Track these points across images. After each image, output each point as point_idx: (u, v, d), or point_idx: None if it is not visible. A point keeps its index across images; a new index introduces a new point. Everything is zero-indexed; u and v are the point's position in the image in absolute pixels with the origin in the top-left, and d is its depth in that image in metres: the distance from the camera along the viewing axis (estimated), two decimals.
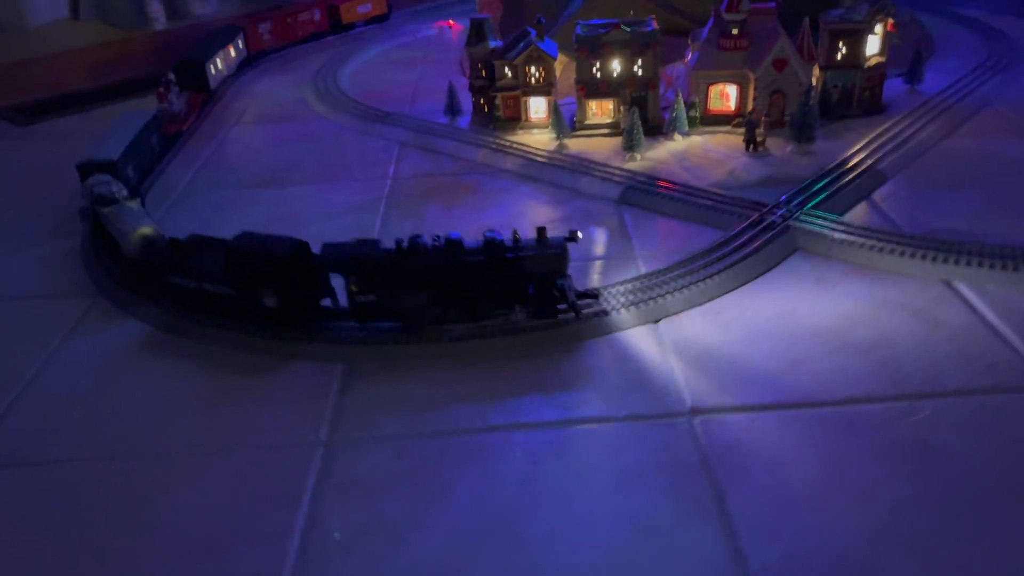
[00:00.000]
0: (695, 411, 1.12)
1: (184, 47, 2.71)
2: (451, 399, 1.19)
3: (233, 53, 2.72)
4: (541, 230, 1.29)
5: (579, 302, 1.30)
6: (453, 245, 1.27)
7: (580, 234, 1.28)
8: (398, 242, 1.27)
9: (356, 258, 1.28)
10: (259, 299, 1.30)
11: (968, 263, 1.38)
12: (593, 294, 1.34)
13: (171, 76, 2.29)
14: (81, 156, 1.80)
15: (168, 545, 0.98)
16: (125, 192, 1.61)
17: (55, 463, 1.12)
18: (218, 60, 2.58)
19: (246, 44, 2.84)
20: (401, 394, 1.21)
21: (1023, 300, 1.29)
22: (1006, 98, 2.09)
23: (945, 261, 1.38)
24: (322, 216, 1.76)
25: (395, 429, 1.14)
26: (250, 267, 1.29)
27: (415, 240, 1.28)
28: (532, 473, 1.05)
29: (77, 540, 0.99)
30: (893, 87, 2.14)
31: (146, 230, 1.47)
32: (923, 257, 1.40)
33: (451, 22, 3.19)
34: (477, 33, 2.06)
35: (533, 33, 2.03)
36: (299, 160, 2.07)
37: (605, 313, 1.32)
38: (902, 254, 1.41)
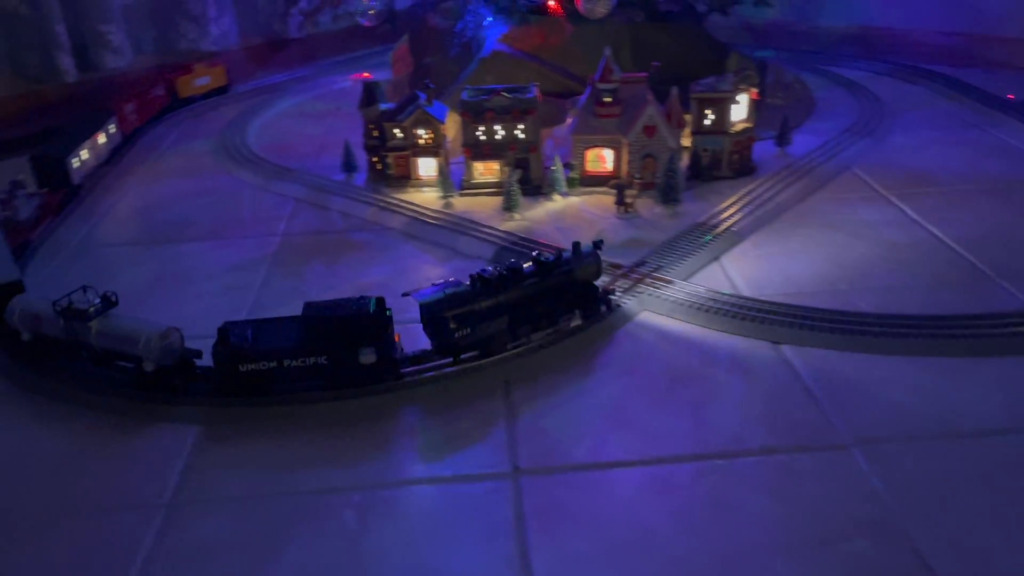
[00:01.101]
0: (517, 471, 1.21)
1: (95, 98, 2.76)
2: (296, 461, 1.26)
3: (103, 139, 2.45)
4: (576, 244, 1.53)
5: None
6: (518, 271, 1.45)
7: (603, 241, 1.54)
8: (479, 277, 1.42)
9: (459, 296, 1.39)
10: (356, 360, 1.34)
11: (795, 326, 1.49)
12: (611, 291, 1.58)
13: (18, 178, 2.05)
14: None
15: None
16: (97, 300, 1.42)
17: None
18: (83, 152, 2.29)
19: (120, 126, 2.59)
20: (249, 456, 1.27)
21: (838, 363, 1.41)
22: (867, 161, 2.24)
23: (773, 324, 1.50)
24: (206, 276, 1.82)
25: (238, 491, 1.20)
26: (347, 330, 1.33)
27: (497, 272, 1.43)
28: (360, 534, 1.12)
29: None
30: (767, 149, 2.29)
31: (165, 331, 1.38)
32: (753, 320, 1.51)
33: (366, 74, 3.28)
34: (368, 96, 2.15)
35: (422, 97, 2.13)
36: (195, 217, 2.13)
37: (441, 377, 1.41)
38: (735, 316, 1.53)
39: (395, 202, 2.10)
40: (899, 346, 1.42)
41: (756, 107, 2.34)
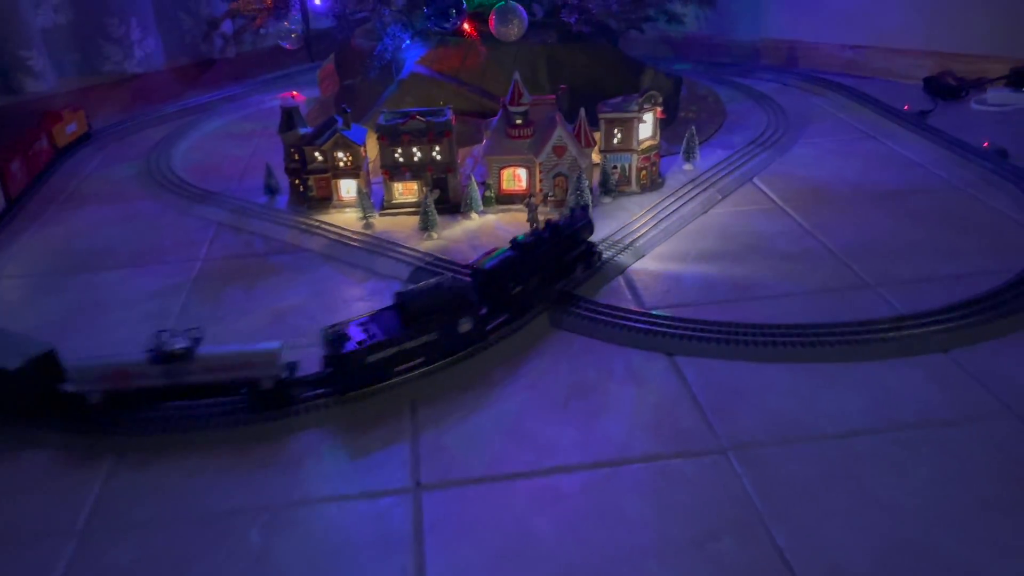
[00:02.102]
0: (419, 486, 1.28)
1: (16, 122, 2.76)
2: (204, 484, 1.31)
3: None
4: (573, 209, 1.85)
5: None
6: (543, 236, 1.70)
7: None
8: (519, 243, 1.68)
9: (511, 261, 1.65)
10: (456, 330, 1.54)
11: (688, 338, 1.59)
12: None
13: None
14: None
15: None
16: (181, 339, 1.42)
17: None
18: None
19: (4, 190, 2.36)
20: (161, 481, 1.32)
21: (724, 372, 1.51)
22: (767, 172, 2.36)
23: (668, 336, 1.60)
24: (125, 304, 1.85)
25: (148, 516, 1.25)
26: (451, 305, 1.53)
27: (531, 238, 1.68)
28: (264, 552, 1.18)
29: None
30: (675, 163, 2.40)
31: (278, 347, 1.43)
32: (650, 333, 1.61)
33: (295, 93, 3.32)
34: (288, 120, 2.20)
35: (340, 121, 2.18)
36: (115, 244, 2.16)
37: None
38: (633, 330, 1.62)
39: (316, 224, 2.16)
40: (780, 354, 1.53)
41: (671, 122, 2.46)
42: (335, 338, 1.46)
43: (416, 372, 1.51)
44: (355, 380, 1.47)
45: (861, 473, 1.25)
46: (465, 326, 1.55)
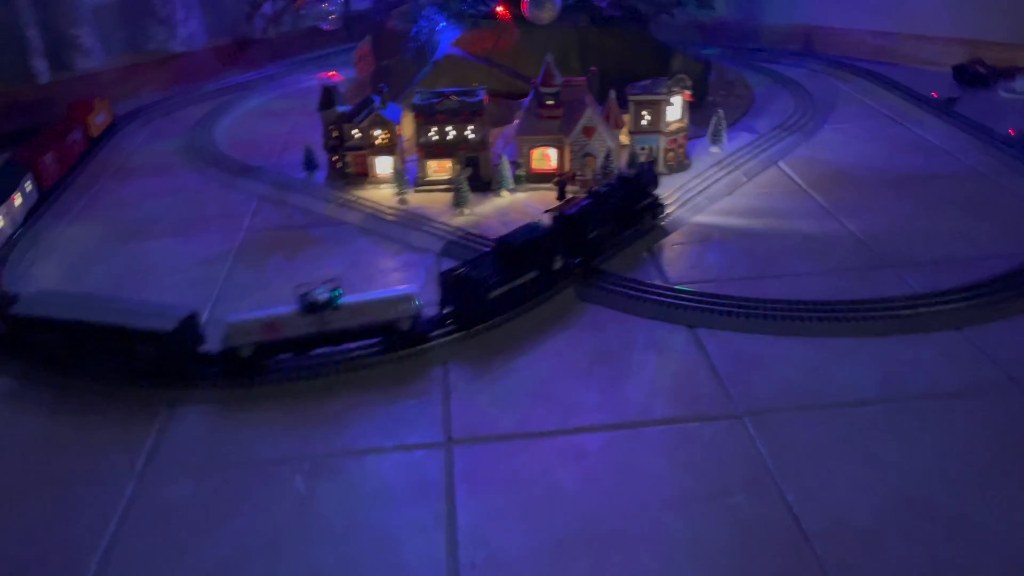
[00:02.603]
0: (450, 441, 1.36)
1: (68, 98, 2.88)
2: (254, 434, 1.41)
3: (19, 201, 2.18)
4: (641, 164, 2.07)
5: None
6: (615, 187, 1.89)
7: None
8: (594, 192, 1.86)
9: (588, 209, 1.80)
10: (551, 267, 1.71)
11: (709, 312, 1.66)
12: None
13: None
14: None
15: None
16: (322, 290, 1.53)
17: None
18: None
19: (37, 182, 2.33)
20: (213, 431, 1.42)
21: (742, 344, 1.57)
22: (793, 156, 2.41)
23: (690, 310, 1.67)
24: (173, 270, 1.96)
25: (201, 461, 1.36)
26: (546, 245, 1.70)
27: (604, 189, 1.87)
28: (308, 496, 1.27)
29: None
30: (703, 146, 2.46)
31: (412, 290, 1.57)
32: (672, 306, 1.68)
33: (333, 73, 3.41)
34: (327, 99, 2.29)
35: (377, 100, 2.27)
36: (163, 214, 2.26)
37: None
38: (657, 303, 1.69)
39: (353, 199, 2.25)
40: (797, 328, 1.59)
41: (699, 105, 2.51)
42: (455, 280, 1.61)
43: (522, 308, 1.68)
44: (480, 316, 1.62)
45: (868, 438, 1.32)
46: (558, 263, 1.72)
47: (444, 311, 1.64)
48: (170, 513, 1.25)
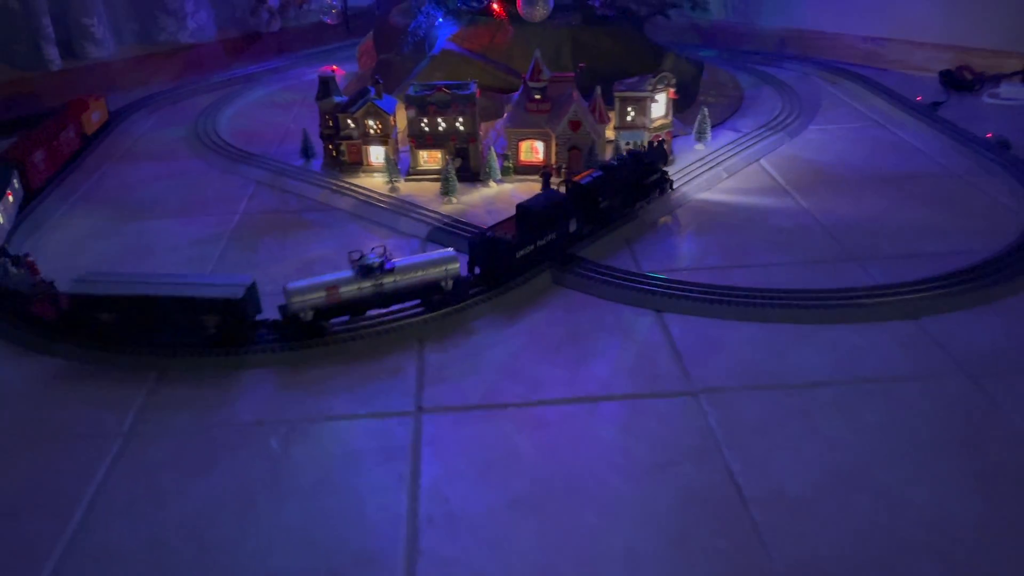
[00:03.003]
0: (420, 410, 1.44)
1: (78, 86, 2.98)
2: (234, 399, 1.49)
3: (11, 199, 2.15)
4: (651, 142, 2.21)
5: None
6: (627, 160, 2.05)
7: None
8: (603, 165, 2.01)
9: (600, 180, 1.96)
10: (567, 230, 1.87)
11: (677, 297, 1.73)
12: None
13: None
14: None
15: None
16: (373, 255, 1.65)
17: None
18: None
19: (24, 181, 2.29)
20: (197, 396, 1.51)
21: (706, 328, 1.64)
22: (774, 155, 2.47)
23: (659, 295, 1.74)
24: (172, 249, 2.05)
25: (185, 423, 1.44)
26: (563, 210, 1.86)
27: (616, 162, 2.03)
28: (281, 456, 1.35)
29: None
30: (688, 143, 2.53)
31: (450, 254, 1.70)
32: (642, 291, 1.75)
33: (335, 67, 3.49)
34: (324, 89, 2.38)
35: (372, 91, 2.35)
36: (164, 196, 2.36)
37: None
38: (629, 289, 1.76)
39: (346, 186, 2.33)
40: (759, 314, 1.66)
41: (689, 104, 2.59)
42: (485, 242, 1.76)
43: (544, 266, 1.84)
44: (508, 273, 1.77)
45: (815, 416, 1.39)
46: (573, 226, 1.88)
47: (475, 271, 1.78)
48: (152, 468, 1.34)
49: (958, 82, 2.93)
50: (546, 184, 2.22)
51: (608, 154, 2.36)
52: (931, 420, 1.36)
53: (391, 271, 1.64)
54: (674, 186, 2.17)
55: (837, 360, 1.53)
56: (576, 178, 1.96)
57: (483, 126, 2.46)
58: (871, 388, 1.45)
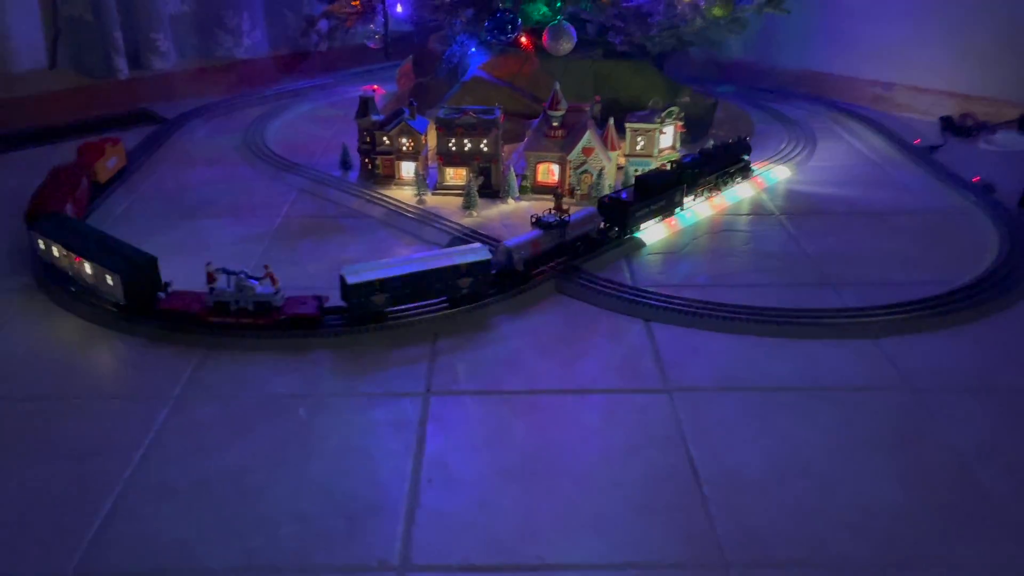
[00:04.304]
0: (429, 392, 1.67)
1: (142, 94, 3.27)
2: (271, 376, 1.72)
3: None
4: (740, 137, 2.66)
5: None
6: (727, 146, 2.60)
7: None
8: (709, 149, 2.55)
9: (699, 161, 2.47)
10: (674, 197, 2.39)
11: (665, 309, 1.94)
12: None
13: None
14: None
15: (59, 452, 1.50)
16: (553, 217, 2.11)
17: None
18: None
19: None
20: (239, 371, 1.74)
21: (688, 337, 1.85)
22: (772, 186, 2.67)
23: (648, 306, 1.95)
24: (220, 245, 2.29)
25: (228, 391, 1.68)
26: (673, 179, 2.38)
27: (718, 146, 2.57)
28: (309, 424, 1.58)
29: None
30: None
31: (593, 211, 2.22)
32: (634, 302, 1.96)
33: (375, 86, 3.76)
34: (363, 108, 2.63)
35: (406, 112, 2.60)
36: (216, 197, 2.62)
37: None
38: (622, 299, 1.97)
39: (379, 197, 2.57)
40: (737, 328, 1.86)
41: (701, 137, 2.81)
42: (612, 202, 2.24)
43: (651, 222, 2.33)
44: (629, 226, 2.24)
45: (774, 415, 1.59)
46: (679, 196, 2.38)
47: (603, 226, 2.23)
48: (199, 426, 1.57)
49: (957, 128, 3.11)
50: (558, 204, 2.44)
51: (618, 180, 2.58)
52: (871, 425, 1.56)
53: (567, 224, 2.10)
54: (753, 172, 2.70)
55: (800, 370, 1.72)
56: (679, 157, 2.49)
57: (506, 148, 2.70)
58: (826, 395, 1.64)
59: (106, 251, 1.94)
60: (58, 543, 1.31)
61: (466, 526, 1.34)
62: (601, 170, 2.46)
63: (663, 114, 2.52)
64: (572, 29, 2.80)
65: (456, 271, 1.90)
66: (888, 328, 1.85)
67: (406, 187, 2.64)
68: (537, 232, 2.06)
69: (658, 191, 2.31)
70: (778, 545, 1.30)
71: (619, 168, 2.63)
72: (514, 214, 2.48)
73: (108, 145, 2.71)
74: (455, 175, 2.61)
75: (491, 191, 2.58)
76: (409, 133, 2.59)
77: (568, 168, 2.52)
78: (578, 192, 2.52)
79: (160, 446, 1.52)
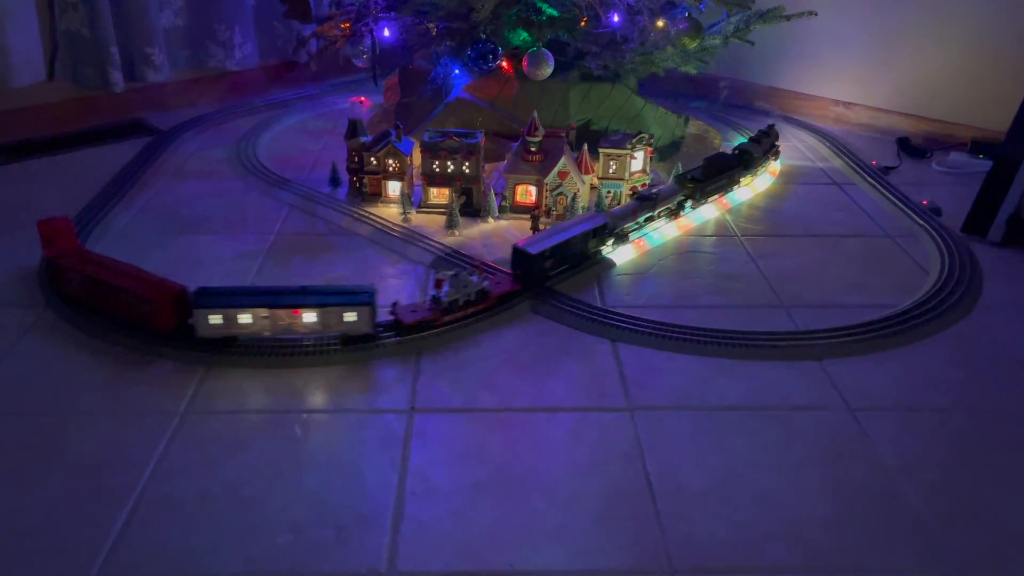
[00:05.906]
0: (413, 410, 1.83)
1: (135, 105, 3.39)
2: (271, 392, 1.88)
3: None
4: (763, 129, 3.17)
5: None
6: (767, 134, 3.12)
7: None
8: (754, 138, 3.06)
9: (725, 158, 2.89)
10: (734, 175, 2.90)
11: (630, 330, 2.11)
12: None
13: None
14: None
15: (65, 467, 1.65)
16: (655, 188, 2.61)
17: None
18: None
19: None
20: (238, 388, 1.90)
21: (650, 357, 2.02)
22: (735, 206, 2.85)
23: (615, 327, 2.12)
24: (215, 262, 2.44)
25: (228, 407, 1.83)
26: (729, 163, 2.88)
27: (758, 136, 3.08)
28: (301, 439, 1.74)
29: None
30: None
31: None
32: (602, 323, 2.13)
33: (363, 98, 3.90)
34: (352, 130, 2.77)
35: (393, 134, 2.74)
36: (210, 213, 2.75)
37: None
38: (591, 320, 2.14)
39: (366, 214, 2.72)
40: (695, 348, 2.04)
41: (672, 154, 2.96)
42: (681, 177, 2.72)
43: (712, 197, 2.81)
44: (682, 203, 2.71)
45: (723, 433, 1.76)
46: (735, 174, 2.87)
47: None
48: (203, 441, 1.73)
49: (912, 149, 3.29)
50: (535, 223, 2.60)
51: (592, 200, 2.75)
52: (809, 442, 1.74)
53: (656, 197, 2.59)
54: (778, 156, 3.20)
55: (749, 390, 1.90)
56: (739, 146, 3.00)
57: (487, 167, 2.85)
58: (770, 414, 1.82)
59: (299, 295, 1.99)
60: (77, 554, 1.46)
61: (445, 535, 1.51)
62: (575, 193, 2.63)
63: (634, 140, 2.69)
64: (550, 56, 2.94)
65: (585, 236, 2.35)
66: (832, 350, 2.03)
67: (392, 205, 2.79)
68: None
69: (717, 171, 2.79)
70: (720, 554, 1.47)
71: (593, 188, 2.79)
72: (494, 233, 2.64)
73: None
74: (439, 194, 2.77)
75: (472, 210, 2.74)
76: (395, 154, 2.74)
77: (545, 190, 2.68)
78: (554, 212, 2.69)
79: (168, 460, 1.67)
